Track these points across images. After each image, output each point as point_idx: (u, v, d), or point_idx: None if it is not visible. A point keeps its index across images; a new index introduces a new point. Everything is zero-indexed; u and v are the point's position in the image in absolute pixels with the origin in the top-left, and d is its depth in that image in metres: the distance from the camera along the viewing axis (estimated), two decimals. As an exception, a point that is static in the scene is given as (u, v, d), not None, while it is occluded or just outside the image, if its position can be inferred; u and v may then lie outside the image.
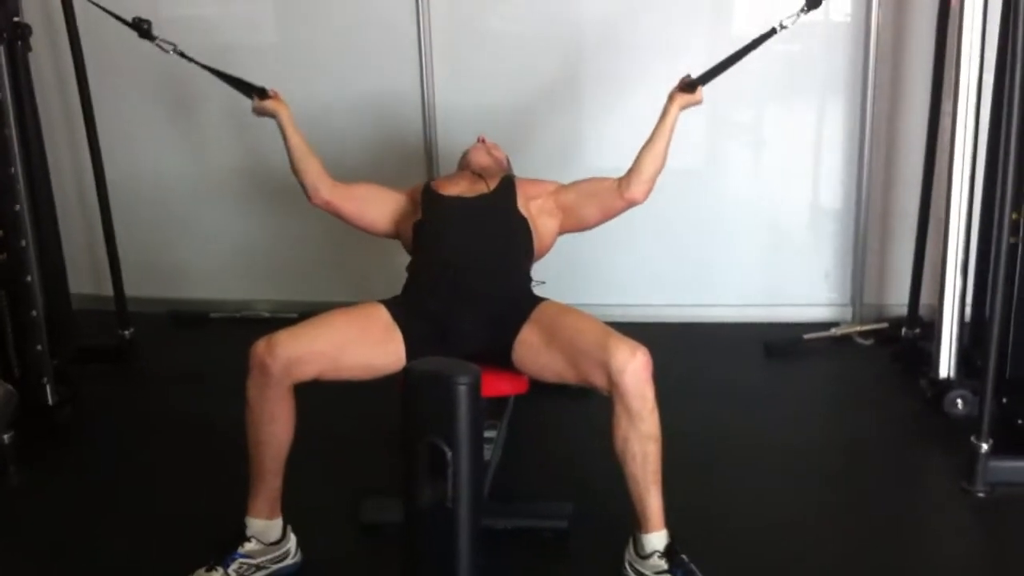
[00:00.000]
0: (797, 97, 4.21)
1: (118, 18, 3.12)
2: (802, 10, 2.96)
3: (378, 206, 3.08)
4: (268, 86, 3.06)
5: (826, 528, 2.81)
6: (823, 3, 2.96)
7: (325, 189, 3.02)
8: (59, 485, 3.15)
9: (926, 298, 3.76)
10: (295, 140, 3.04)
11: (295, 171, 3.04)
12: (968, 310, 3.47)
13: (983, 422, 2.91)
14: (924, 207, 3.72)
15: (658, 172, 2.96)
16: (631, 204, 2.97)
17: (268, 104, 3.05)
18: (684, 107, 3.02)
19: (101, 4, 3.15)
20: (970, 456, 2.91)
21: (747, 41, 3.00)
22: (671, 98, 3.02)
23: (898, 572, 2.63)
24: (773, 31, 2.99)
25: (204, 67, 3.12)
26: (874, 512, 2.89)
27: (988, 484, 2.91)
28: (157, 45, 3.10)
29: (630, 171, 2.97)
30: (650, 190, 2.96)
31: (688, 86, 3.01)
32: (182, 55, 3.11)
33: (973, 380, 3.37)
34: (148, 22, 3.08)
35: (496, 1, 4.24)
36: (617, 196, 2.97)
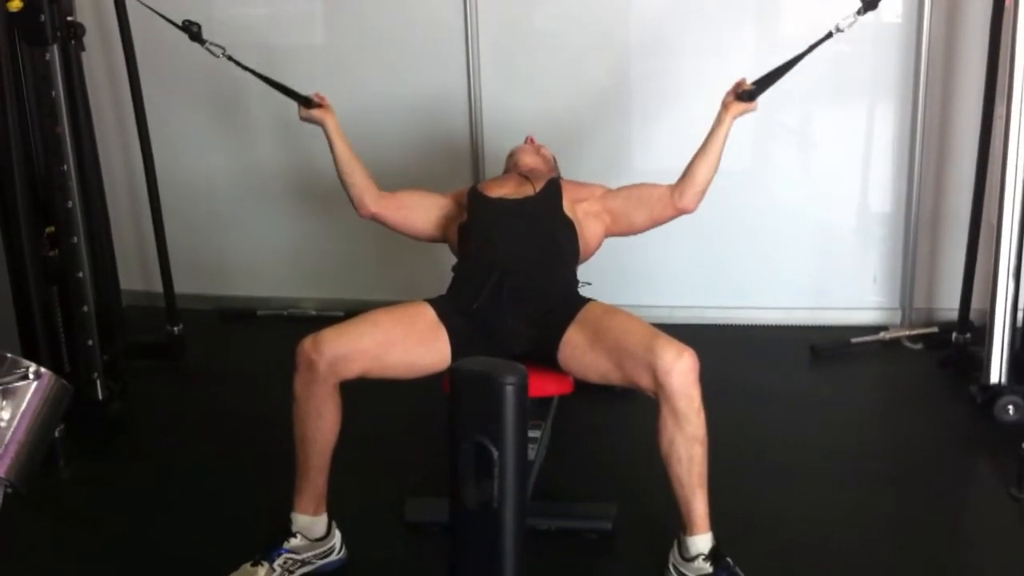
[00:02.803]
0: (847, 99, 4.17)
1: (168, 20, 3.13)
2: (859, 12, 2.91)
3: (424, 213, 3.09)
4: (316, 87, 3.06)
5: (872, 534, 2.78)
6: (879, 3, 2.89)
7: (371, 202, 3.04)
8: (108, 479, 3.19)
9: (977, 303, 3.71)
10: (340, 149, 3.04)
11: (341, 181, 3.05)
12: (1020, 315, 3.43)
13: (1034, 429, 2.88)
14: (976, 211, 3.67)
15: (710, 181, 2.94)
16: (682, 213, 2.96)
17: (314, 113, 3.05)
18: (738, 115, 2.97)
19: (152, 6, 3.17)
20: (1020, 463, 2.87)
21: (804, 47, 2.94)
22: (725, 106, 2.96)
23: (945, 580, 2.61)
24: (830, 35, 2.94)
25: (252, 72, 3.13)
26: (921, 519, 2.86)
27: (1038, 492, 2.87)
28: (207, 49, 3.12)
29: (683, 180, 2.94)
30: (701, 200, 2.94)
31: (747, 95, 2.95)
32: (231, 59, 3.12)
33: (1024, 386, 3.34)
34: (198, 25, 3.09)
35: (544, 1, 4.24)
36: (668, 205, 2.95)
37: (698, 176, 2.93)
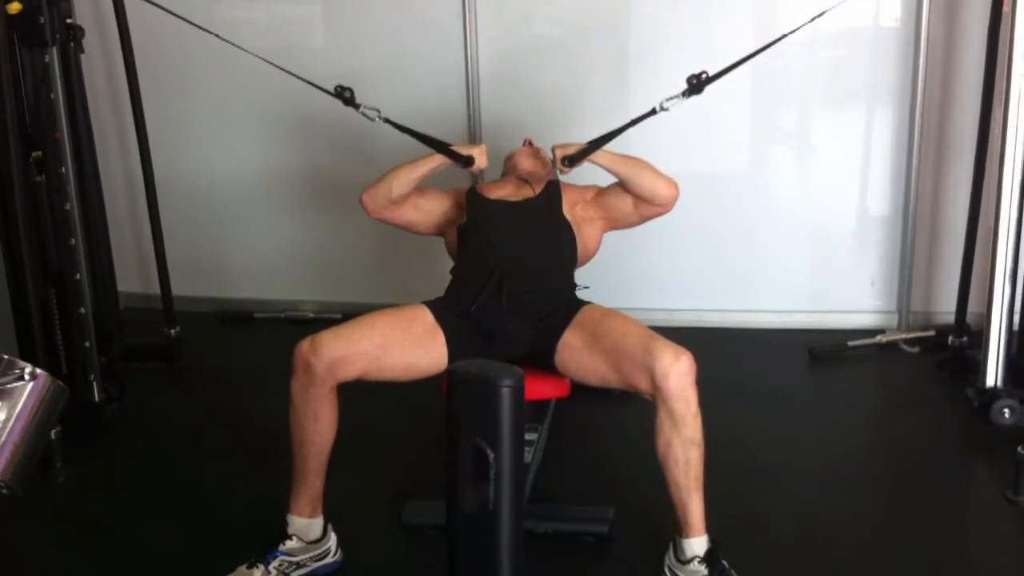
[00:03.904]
0: (845, 103, 4.17)
1: (319, 87, 3.05)
2: (683, 94, 2.90)
3: (424, 216, 3.07)
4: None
5: (868, 537, 2.78)
6: (703, 91, 2.90)
7: (380, 209, 2.97)
8: (104, 481, 3.19)
9: (974, 306, 3.71)
10: (421, 177, 2.96)
11: (387, 178, 2.95)
12: (1017, 318, 3.44)
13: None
14: (973, 214, 3.67)
15: (653, 175, 2.89)
16: (673, 200, 2.90)
17: (458, 166, 3.00)
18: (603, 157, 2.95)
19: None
20: (1016, 466, 2.87)
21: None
22: (591, 159, 2.94)
23: (941, 583, 2.61)
24: (654, 111, 2.93)
25: (409, 132, 3.03)
26: (917, 522, 2.86)
27: (1035, 495, 2.88)
28: (362, 113, 3.02)
29: (640, 200, 2.91)
30: (668, 184, 2.88)
31: (568, 160, 2.93)
32: (388, 121, 3.03)
33: (1021, 389, 3.34)
34: (350, 90, 3.00)
35: (543, 4, 4.24)
36: (653, 205, 2.93)
37: (642, 190, 2.89)
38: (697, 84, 2.90)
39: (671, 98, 2.91)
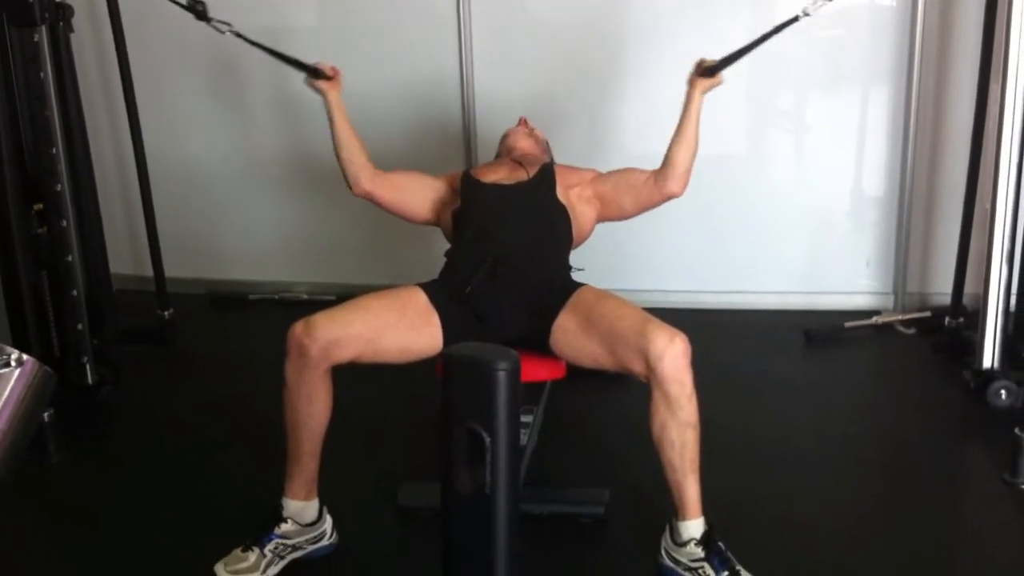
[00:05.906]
0: (841, 83, 4.15)
1: (178, 4, 3.06)
2: None
3: (418, 195, 3.06)
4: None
5: (865, 520, 2.78)
6: None
7: (366, 180, 2.98)
8: (98, 464, 3.18)
9: (970, 287, 3.71)
10: (340, 124, 2.98)
11: (338, 158, 2.99)
12: (1013, 300, 3.43)
13: (1027, 414, 2.87)
14: (970, 195, 3.66)
15: (692, 161, 2.88)
16: (670, 198, 2.91)
17: (320, 84, 2.98)
18: (706, 91, 2.90)
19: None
20: (1013, 448, 2.87)
21: (770, 28, 2.91)
22: (691, 83, 2.91)
23: (938, 566, 2.60)
24: (796, 18, 2.89)
25: (259, 46, 3.06)
26: (914, 504, 2.86)
27: (1031, 477, 2.87)
28: (213, 26, 3.04)
29: (664, 165, 2.89)
30: (687, 182, 2.89)
31: (708, 71, 2.89)
32: (238, 35, 3.06)
33: (1017, 371, 3.34)
34: (203, 3, 3.03)
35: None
36: (654, 190, 2.91)
37: (677, 159, 2.87)
38: None
39: (814, 3, 2.86)
